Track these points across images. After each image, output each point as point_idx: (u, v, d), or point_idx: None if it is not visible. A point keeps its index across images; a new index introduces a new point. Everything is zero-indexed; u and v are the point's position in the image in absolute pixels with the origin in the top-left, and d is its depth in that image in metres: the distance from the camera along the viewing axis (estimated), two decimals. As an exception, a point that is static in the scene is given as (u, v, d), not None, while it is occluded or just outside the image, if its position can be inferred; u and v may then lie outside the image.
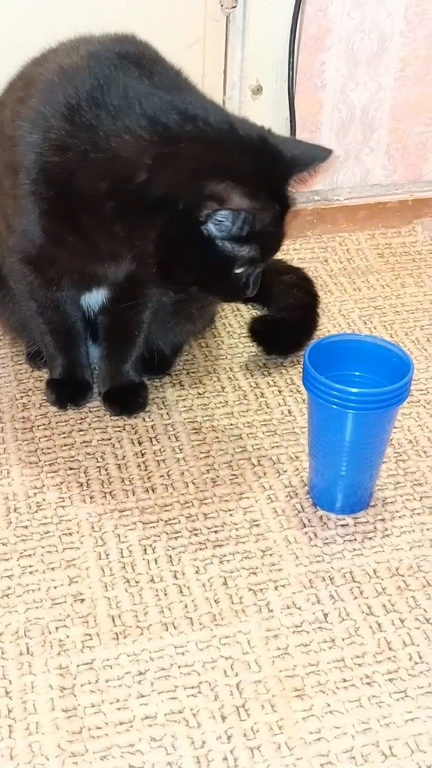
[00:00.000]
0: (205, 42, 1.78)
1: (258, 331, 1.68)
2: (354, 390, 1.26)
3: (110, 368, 1.54)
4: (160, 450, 1.47)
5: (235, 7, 1.77)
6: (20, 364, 1.63)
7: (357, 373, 1.36)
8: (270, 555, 1.30)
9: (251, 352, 1.68)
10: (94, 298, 1.48)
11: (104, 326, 1.52)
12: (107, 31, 1.36)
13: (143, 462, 1.45)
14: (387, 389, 1.26)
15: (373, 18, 1.83)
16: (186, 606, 1.22)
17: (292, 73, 1.84)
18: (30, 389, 1.58)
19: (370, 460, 1.35)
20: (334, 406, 1.27)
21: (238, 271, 1.23)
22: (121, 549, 1.30)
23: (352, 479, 1.35)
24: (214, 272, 1.24)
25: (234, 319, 1.77)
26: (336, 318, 1.79)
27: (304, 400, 1.54)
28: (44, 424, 1.51)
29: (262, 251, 1.23)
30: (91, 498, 1.38)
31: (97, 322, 1.52)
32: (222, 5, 1.78)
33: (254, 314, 1.76)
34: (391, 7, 1.83)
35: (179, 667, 1.15)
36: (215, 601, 1.23)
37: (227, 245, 1.19)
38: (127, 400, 1.54)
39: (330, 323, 1.77)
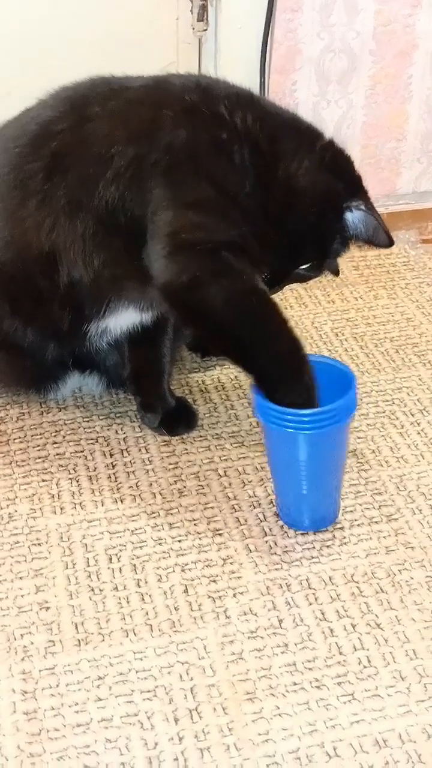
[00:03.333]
0: (179, 64, 1.83)
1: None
2: (306, 411, 1.30)
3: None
4: (130, 462, 1.52)
5: (206, 30, 1.83)
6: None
7: None
8: (230, 563, 1.35)
9: (223, 365, 1.73)
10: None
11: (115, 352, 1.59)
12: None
13: (113, 474, 1.50)
14: (333, 406, 1.30)
15: (342, 38, 1.88)
16: (147, 613, 1.27)
17: (265, 94, 1.88)
18: (8, 404, 1.64)
19: (330, 475, 1.38)
20: (290, 429, 1.30)
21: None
22: (88, 558, 1.35)
23: (315, 497, 1.38)
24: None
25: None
26: (309, 330, 1.84)
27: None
28: (20, 438, 1.57)
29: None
30: (61, 509, 1.43)
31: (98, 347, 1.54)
32: (194, 28, 1.83)
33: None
34: (360, 27, 1.88)
35: (137, 672, 1.20)
36: (175, 608, 1.28)
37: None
38: None
39: (302, 335, 1.80)
